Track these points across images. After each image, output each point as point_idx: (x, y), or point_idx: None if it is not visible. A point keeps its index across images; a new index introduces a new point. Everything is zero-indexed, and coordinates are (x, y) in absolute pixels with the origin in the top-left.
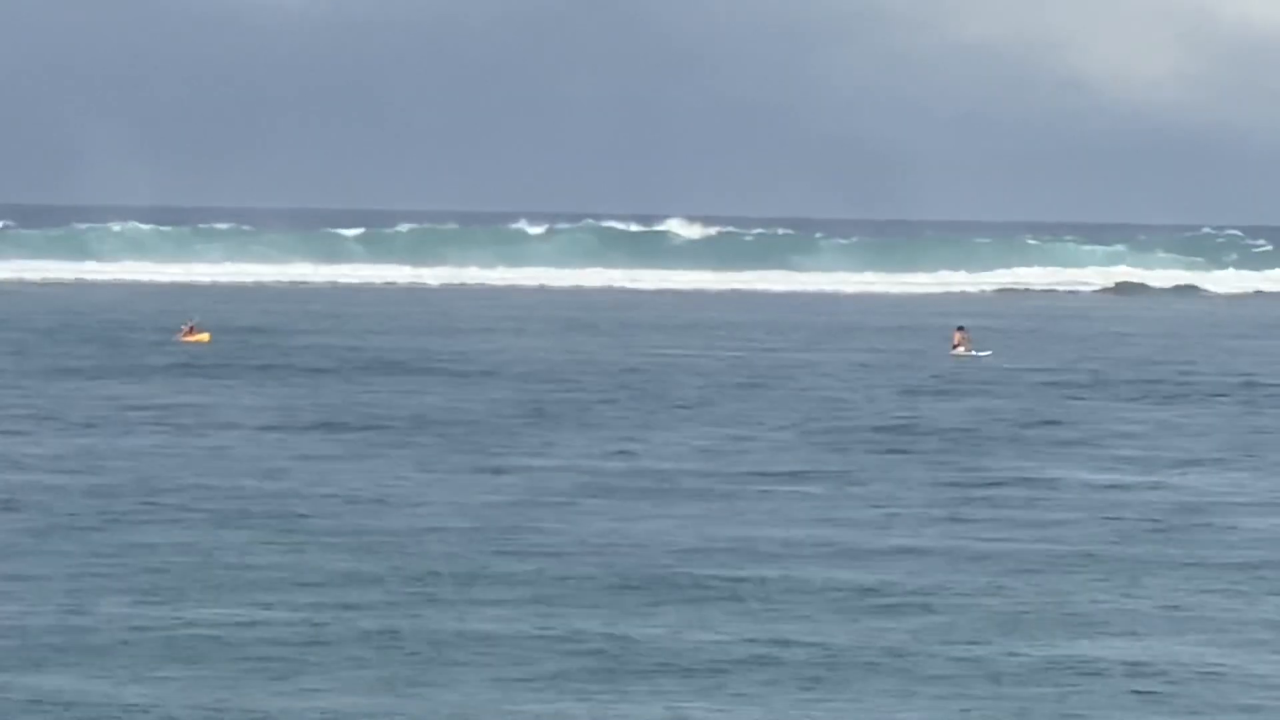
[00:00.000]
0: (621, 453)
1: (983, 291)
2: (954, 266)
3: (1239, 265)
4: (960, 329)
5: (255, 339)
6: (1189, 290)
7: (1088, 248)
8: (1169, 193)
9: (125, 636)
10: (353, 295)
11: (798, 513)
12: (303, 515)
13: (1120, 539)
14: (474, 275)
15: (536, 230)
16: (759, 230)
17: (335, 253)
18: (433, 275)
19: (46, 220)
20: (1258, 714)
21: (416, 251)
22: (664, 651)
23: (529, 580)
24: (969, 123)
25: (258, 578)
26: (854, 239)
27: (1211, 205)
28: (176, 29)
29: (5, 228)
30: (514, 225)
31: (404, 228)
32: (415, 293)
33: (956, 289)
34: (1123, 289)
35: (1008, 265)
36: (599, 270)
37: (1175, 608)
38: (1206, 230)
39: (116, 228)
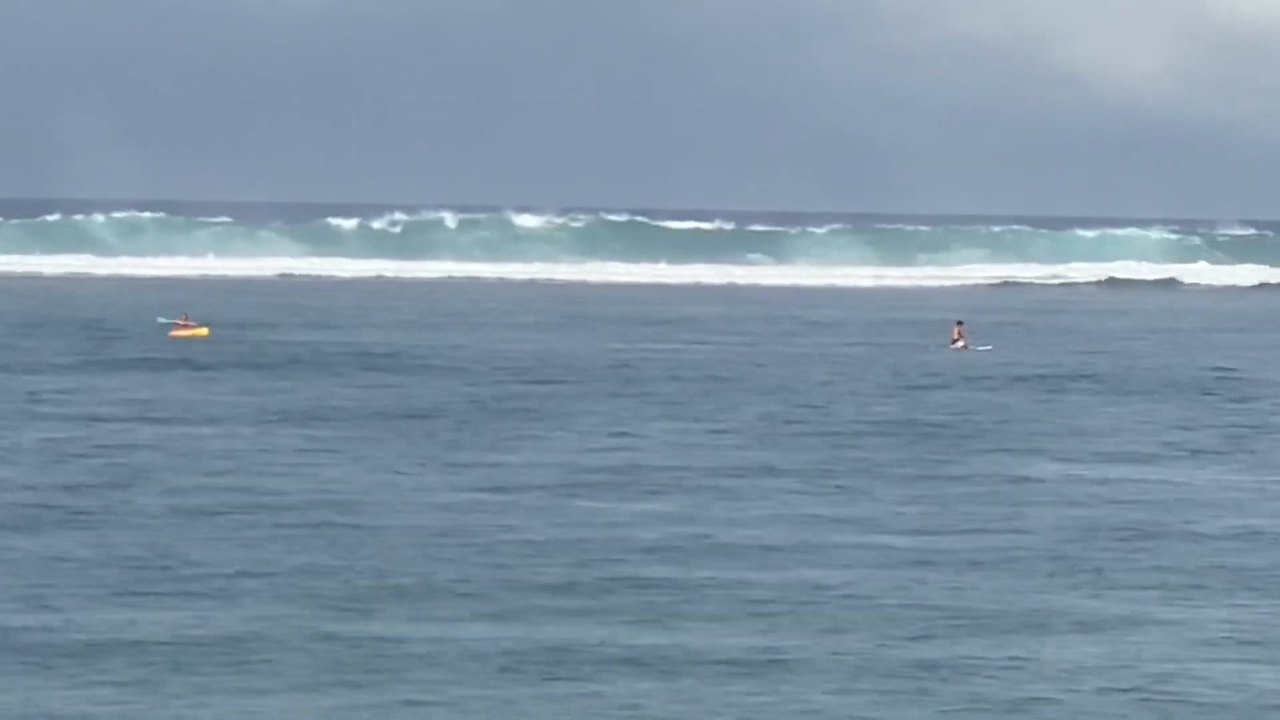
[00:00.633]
0: (596, 449)
1: (975, 285)
2: (945, 260)
3: (1229, 259)
4: (959, 323)
5: (243, 334)
6: (1179, 284)
7: (1080, 242)
8: (1161, 187)
9: (67, 639)
10: (341, 288)
11: (764, 509)
12: (267, 509)
13: (1087, 537)
14: (466, 269)
15: (528, 223)
16: (756, 225)
17: (325, 245)
18: (424, 269)
19: (29, 212)
20: (1222, 714)
21: (409, 244)
22: (618, 648)
23: (482, 579)
24: (962, 116)
25: (211, 573)
26: (844, 231)
27: (1203, 199)
28: (166, 21)
29: None
30: (507, 217)
31: (396, 220)
32: (406, 286)
33: (948, 283)
34: (1114, 283)
35: (1000, 259)
36: (585, 264)
37: (1139, 606)
38: (1198, 224)
39: (100, 219)
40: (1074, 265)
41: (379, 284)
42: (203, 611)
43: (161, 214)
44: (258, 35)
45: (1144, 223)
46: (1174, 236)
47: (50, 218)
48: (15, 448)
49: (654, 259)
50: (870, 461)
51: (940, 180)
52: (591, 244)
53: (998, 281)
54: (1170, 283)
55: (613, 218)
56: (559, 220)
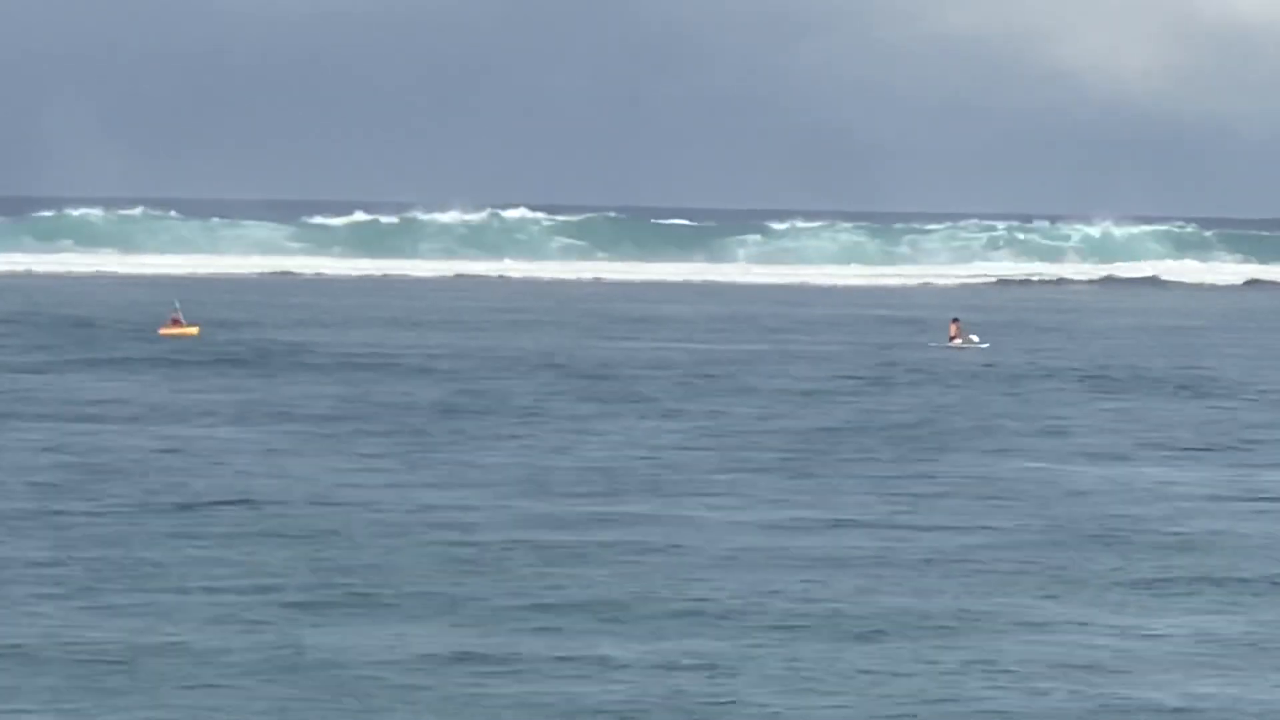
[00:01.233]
0: (565, 449)
1: (967, 283)
2: (936, 258)
3: (1223, 257)
4: (955, 320)
5: (225, 333)
6: (1169, 282)
7: (1072, 239)
8: (1151, 184)
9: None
10: (327, 286)
11: (731, 508)
12: (233, 507)
13: (1053, 537)
14: (453, 267)
15: (516, 220)
16: (745, 222)
17: (312, 243)
18: (412, 266)
19: (14, 210)
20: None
21: (396, 242)
22: (575, 648)
23: (441, 579)
24: (952, 113)
25: (169, 573)
26: (833, 228)
27: (1193, 196)
28: (153, 16)
29: None
30: (495, 214)
31: (384, 217)
32: (393, 284)
33: (938, 280)
34: (1105, 280)
35: (992, 256)
36: (572, 261)
37: (1093, 609)
38: (1189, 221)
39: (75, 214)
40: (1064, 264)
41: (365, 282)
42: (153, 615)
43: (147, 210)
44: (246, 32)
45: (1134, 220)
46: (1164, 234)
47: (36, 214)
48: None
49: (642, 256)
50: (845, 460)
51: (931, 177)
52: (579, 242)
53: (990, 280)
54: (1160, 280)
55: (601, 215)
56: (546, 218)
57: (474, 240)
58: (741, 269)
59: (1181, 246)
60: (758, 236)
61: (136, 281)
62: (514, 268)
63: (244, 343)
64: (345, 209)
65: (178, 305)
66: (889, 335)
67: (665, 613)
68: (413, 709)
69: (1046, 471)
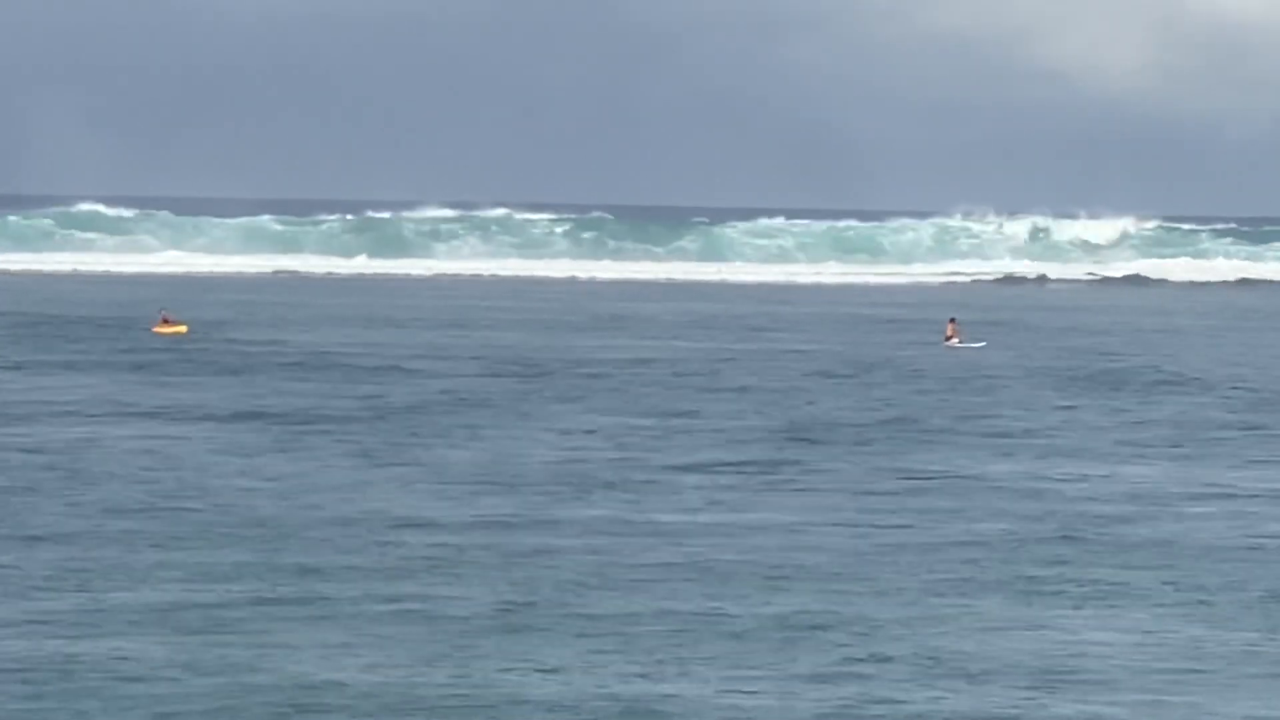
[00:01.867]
0: (545, 445)
1: (951, 281)
2: (923, 256)
3: (1211, 255)
4: (953, 320)
5: (209, 333)
6: (1160, 280)
7: (1060, 237)
8: (1141, 182)
9: None
10: (314, 285)
11: (705, 510)
12: (190, 510)
13: (1022, 536)
14: (441, 266)
15: (505, 219)
16: (734, 221)
17: (299, 243)
18: (401, 265)
19: None
20: None
21: (385, 241)
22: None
23: (390, 580)
24: (941, 113)
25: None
26: (821, 228)
27: (1183, 195)
28: (141, 14)
29: None
30: (484, 214)
31: (372, 216)
32: (381, 283)
33: (925, 279)
34: (1092, 278)
35: (978, 255)
36: (559, 260)
37: (1062, 609)
38: (1179, 220)
39: (50, 215)
40: (1051, 262)
41: (354, 281)
42: (94, 619)
43: (134, 210)
44: (235, 31)
45: (1122, 217)
46: (1152, 232)
47: (21, 212)
48: None
49: (627, 255)
50: (819, 459)
51: (918, 175)
52: (565, 240)
53: (976, 278)
54: (1147, 278)
55: (586, 215)
56: (532, 216)
57: (462, 239)
58: (728, 267)
59: (1169, 245)
60: (744, 234)
61: (121, 280)
62: (496, 266)
63: (224, 342)
64: (331, 207)
65: (165, 315)
66: (872, 333)
67: (618, 614)
68: (365, 706)
69: (1017, 471)
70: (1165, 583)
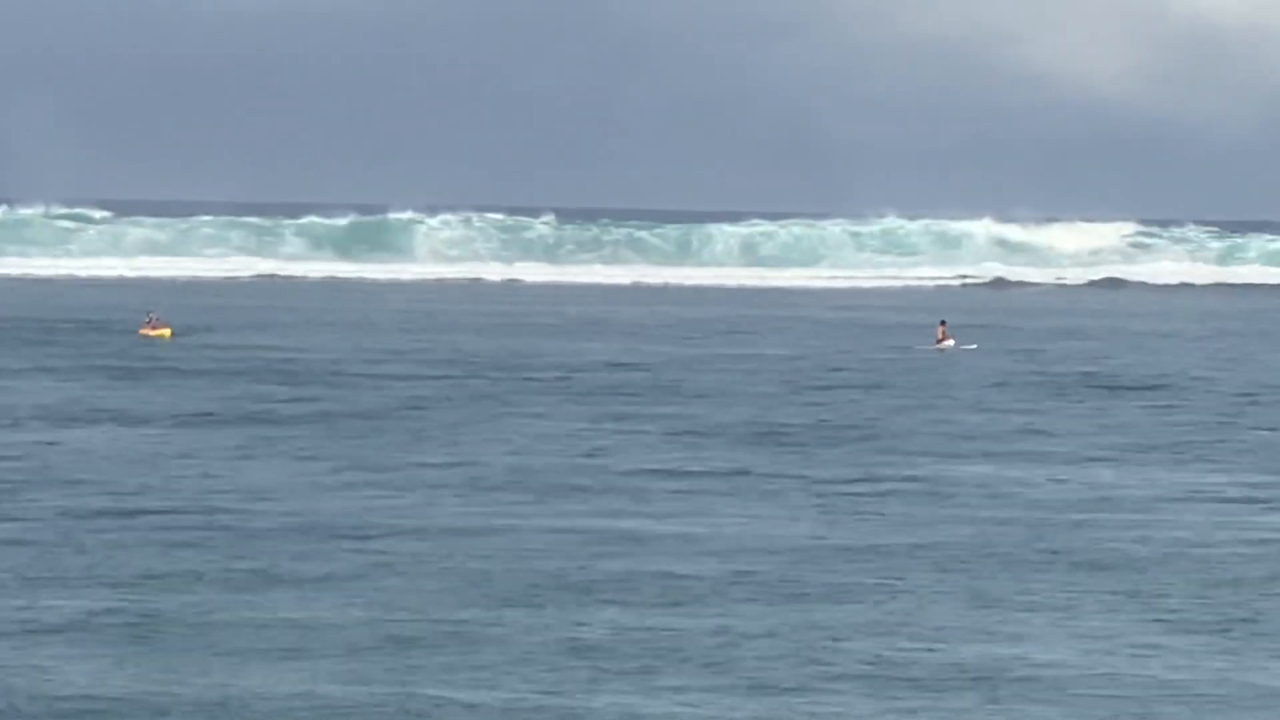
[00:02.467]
0: (512, 450)
1: (941, 284)
2: (909, 259)
3: (1194, 258)
4: (943, 323)
5: (186, 338)
6: (1139, 283)
7: (1044, 240)
8: (1123, 186)
9: None
10: (291, 289)
11: (667, 517)
12: (155, 513)
13: (986, 541)
14: (420, 270)
15: (487, 223)
16: (715, 224)
17: (278, 246)
18: (380, 270)
19: None
20: None
21: (365, 245)
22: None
23: (354, 585)
24: (926, 115)
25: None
26: (807, 229)
27: (1165, 198)
28: (119, 15)
29: None
30: (466, 217)
31: (352, 219)
32: (358, 288)
33: (912, 282)
34: (1075, 281)
35: (964, 258)
36: (537, 264)
37: (1021, 615)
38: (1160, 223)
39: (25, 214)
40: (1036, 266)
41: (333, 283)
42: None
43: (111, 213)
44: (213, 33)
45: (1105, 220)
46: (1135, 235)
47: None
48: None
49: (611, 259)
50: (785, 464)
51: (904, 178)
52: (549, 243)
53: (962, 281)
54: (1129, 282)
55: (572, 221)
56: (513, 220)
57: (443, 242)
58: (714, 271)
59: (1152, 248)
60: (730, 238)
61: (97, 285)
62: (480, 270)
63: (200, 348)
64: (313, 211)
65: (156, 313)
66: (852, 337)
67: (569, 621)
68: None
69: (987, 475)
70: (1125, 589)
